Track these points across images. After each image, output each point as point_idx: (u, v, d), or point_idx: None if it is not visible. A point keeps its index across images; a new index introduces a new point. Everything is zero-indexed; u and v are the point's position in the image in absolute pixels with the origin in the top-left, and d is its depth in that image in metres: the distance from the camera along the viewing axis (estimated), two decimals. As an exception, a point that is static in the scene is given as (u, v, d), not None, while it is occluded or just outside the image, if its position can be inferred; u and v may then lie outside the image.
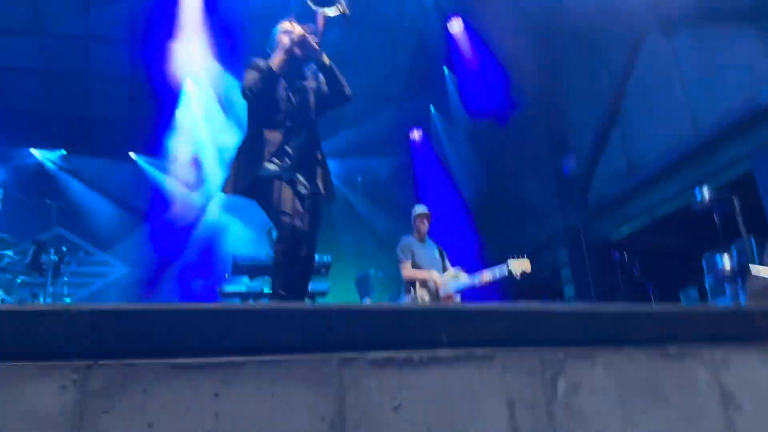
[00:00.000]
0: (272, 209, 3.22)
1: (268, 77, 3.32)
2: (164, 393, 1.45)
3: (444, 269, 5.75)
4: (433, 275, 5.55)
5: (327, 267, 7.52)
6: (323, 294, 7.38)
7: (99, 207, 9.95)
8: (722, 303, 5.74)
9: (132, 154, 10.33)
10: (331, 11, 3.38)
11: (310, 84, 3.59)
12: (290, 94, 3.44)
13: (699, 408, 1.69)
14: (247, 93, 3.35)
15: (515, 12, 8.98)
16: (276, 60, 3.35)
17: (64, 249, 7.09)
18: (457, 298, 5.51)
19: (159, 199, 9.86)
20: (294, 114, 3.43)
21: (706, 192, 5.15)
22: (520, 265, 5.21)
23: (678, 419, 1.66)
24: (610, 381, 1.67)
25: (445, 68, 10.83)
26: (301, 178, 3.35)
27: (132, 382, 1.44)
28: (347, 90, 3.57)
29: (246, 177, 3.27)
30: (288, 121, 3.40)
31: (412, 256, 5.68)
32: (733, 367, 1.78)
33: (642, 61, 8.74)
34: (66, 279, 7.26)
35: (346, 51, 9.79)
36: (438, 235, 6.32)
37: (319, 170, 3.47)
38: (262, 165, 3.25)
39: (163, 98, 9.53)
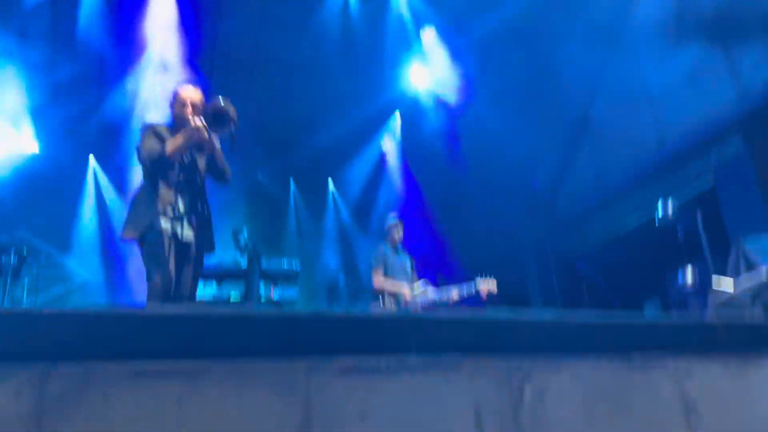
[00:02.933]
0: (151, 261, 3.55)
1: (163, 159, 3.63)
2: (125, 398, 1.41)
3: (413, 282, 5.79)
4: (403, 289, 5.58)
5: (295, 274, 7.48)
6: (291, 303, 7.33)
7: (65, 209, 9.73)
8: (685, 315, 5.87)
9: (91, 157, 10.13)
10: (222, 131, 3.72)
11: (199, 155, 3.91)
12: (183, 156, 3.76)
13: (662, 417, 1.72)
14: (144, 160, 3.69)
15: (485, 27, 9.12)
16: (171, 148, 3.63)
17: (25, 252, 6.91)
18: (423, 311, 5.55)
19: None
20: (185, 172, 3.75)
21: (669, 206, 5.28)
22: (487, 285, 5.40)
23: (641, 427, 1.68)
24: (575, 389, 1.68)
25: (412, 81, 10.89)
26: (187, 230, 3.64)
27: (92, 387, 1.40)
28: (227, 175, 3.95)
29: (138, 227, 3.59)
30: (180, 177, 3.72)
31: (385, 265, 5.70)
32: (695, 377, 1.82)
33: (610, 75, 8.93)
34: (26, 281, 7.07)
35: (322, 59, 9.82)
36: (407, 244, 6.35)
37: (204, 224, 3.80)
38: (155, 217, 3.56)
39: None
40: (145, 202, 3.65)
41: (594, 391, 1.69)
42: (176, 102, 3.88)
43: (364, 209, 11.34)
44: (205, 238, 3.82)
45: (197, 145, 3.75)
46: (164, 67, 9.22)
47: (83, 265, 9.28)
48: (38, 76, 8.65)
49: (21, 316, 1.42)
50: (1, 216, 7.93)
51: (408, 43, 10.28)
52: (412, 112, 11.21)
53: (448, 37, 10.18)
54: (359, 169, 11.71)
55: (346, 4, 9.80)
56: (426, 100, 10.91)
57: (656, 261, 7.11)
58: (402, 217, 6.19)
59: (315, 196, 11.75)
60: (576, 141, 9.84)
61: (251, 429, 1.44)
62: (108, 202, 9.93)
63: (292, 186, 11.72)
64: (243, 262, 6.84)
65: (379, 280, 5.64)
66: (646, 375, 1.77)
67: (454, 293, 5.48)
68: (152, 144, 3.66)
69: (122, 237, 3.67)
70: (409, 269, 5.87)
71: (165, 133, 3.78)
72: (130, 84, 9.30)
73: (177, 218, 3.61)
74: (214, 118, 3.68)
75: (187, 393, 1.43)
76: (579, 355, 1.75)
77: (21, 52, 8.44)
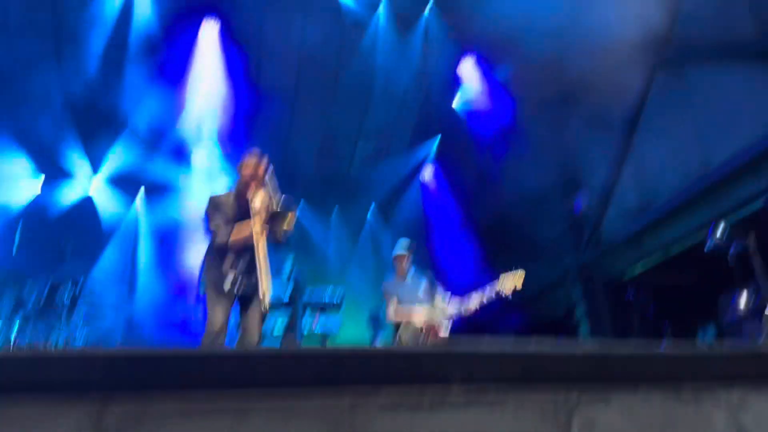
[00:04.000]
0: (209, 305, 4.06)
1: (229, 232, 4.12)
2: (178, 430, 1.45)
3: (433, 298, 5.52)
4: (415, 315, 5.39)
5: (339, 304, 7.50)
6: (334, 334, 7.35)
7: (115, 241, 10.06)
8: (739, 343, 5.64)
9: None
10: (285, 224, 4.23)
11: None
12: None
13: (716, 451, 1.67)
14: (210, 232, 4.18)
15: (526, 51, 9.12)
16: (233, 240, 4.12)
17: (78, 289, 7.14)
18: (444, 333, 5.32)
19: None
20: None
21: (720, 230, 5.12)
22: (512, 280, 5.10)
23: (695, 463, 1.63)
24: (625, 422, 1.65)
25: (455, 107, 10.94)
26: (246, 288, 4.11)
27: (146, 422, 1.45)
28: (282, 239, 4.34)
29: (209, 286, 4.09)
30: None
31: (397, 295, 5.56)
32: (751, 408, 1.76)
33: (654, 97, 8.79)
34: (80, 317, 7.28)
35: (358, 90, 9.98)
36: (449, 273, 6.24)
37: (260, 281, 4.17)
38: (221, 279, 4.07)
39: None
40: (212, 265, 4.15)
41: (644, 425, 1.65)
42: (241, 167, 4.32)
43: (404, 235, 11.34)
44: (262, 293, 4.18)
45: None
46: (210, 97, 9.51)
47: (134, 298, 9.51)
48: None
49: (78, 356, 1.48)
50: (54, 253, 8.23)
51: (446, 67, 10.35)
52: (453, 135, 11.23)
53: (486, 60, 10.23)
54: (400, 197, 11.77)
55: (378, 32, 9.93)
56: (466, 122, 10.92)
57: (708, 286, 6.89)
58: (441, 241, 6.02)
59: (357, 226, 11.84)
60: (620, 162, 9.67)
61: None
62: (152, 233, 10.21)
63: (335, 215, 11.84)
64: (287, 292, 6.90)
65: (390, 311, 5.53)
66: (698, 407, 1.72)
67: (474, 300, 5.21)
68: (217, 224, 4.17)
69: (198, 294, 4.16)
70: (423, 290, 5.61)
71: (227, 204, 4.24)
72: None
73: (240, 276, 4.11)
74: (274, 216, 4.22)
75: (236, 427, 1.47)
76: (628, 387, 1.71)
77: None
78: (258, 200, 4.22)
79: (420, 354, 1.65)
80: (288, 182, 4.85)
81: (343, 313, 7.71)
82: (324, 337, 7.28)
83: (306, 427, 1.49)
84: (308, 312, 7.29)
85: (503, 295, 5.07)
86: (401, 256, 5.76)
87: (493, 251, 10.70)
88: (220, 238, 4.15)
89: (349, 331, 8.86)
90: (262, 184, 4.26)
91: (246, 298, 4.18)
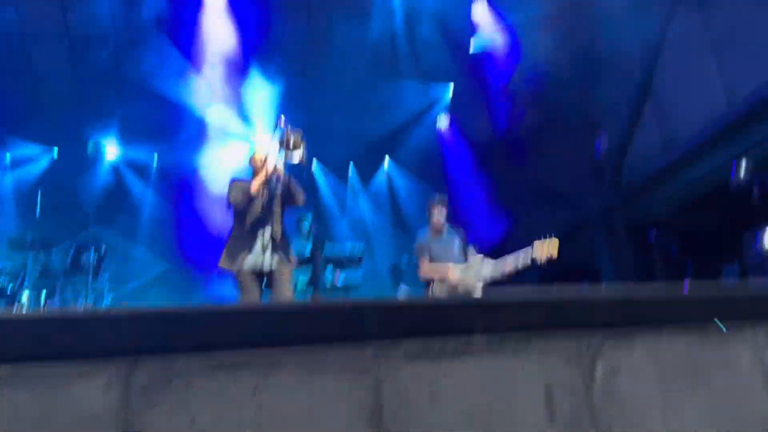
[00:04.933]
0: (239, 289, 4.56)
1: (249, 198, 4.57)
2: (206, 388, 1.48)
3: (466, 258, 5.52)
4: (450, 271, 5.37)
5: (359, 259, 7.55)
6: (356, 287, 7.42)
7: (137, 203, 10.18)
8: (763, 281, 5.59)
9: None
10: (294, 159, 4.59)
11: (277, 188, 4.77)
12: (263, 192, 4.65)
13: (742, 388, 1.67)
14: (232, 205, 4.61)
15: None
16: (255, 186, 4.58)
17: (104, 250, 7.26)
18: (478, 293, 5.27)
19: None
20: (266, 207, 4.67)
21: (743, 167, 5.01)
22: (546, 248, 5.02)
23: (720, 401, 1.63)
24: (649, 365, 1.65)
25: (470, 51, 10.66)
26: (269, 258, 4.56)
27: (174, 378, 1.48)
28: (301, 199, 4.82)
29: (233, 262, 4.56)
30: (262, 212, 4.67)
31: (429, 252, 5.51)
32: (776, 346, 1.75)
33: (673, 33, 8.51)
34: (107, 276, 7.43)
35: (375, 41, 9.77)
36: (466, 219, 6.19)
37: (285, 246, 4.72)
38: (245, 254, 4.56)
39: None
40: (236, 239, 4.61)
41: (669, 366, 1.65)
42: (253, 159, 4.86)
43: (420, 188, 11.30)
44: (285, 259, 4.67)
45: (274, 180, 4.65)
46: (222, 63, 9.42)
47: (160, 257, 9.67)
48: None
49: (106, 316, 1.51)
50: (80, 215, 8.35)
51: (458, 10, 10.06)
52: (467, 81, 11.01)
53: (500, 4, 9.94)
54: (416, 148, 11.66)
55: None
56: (480, 66, 10.67)
57: (732, 224, 6.80)
58: (460, 190, 5.94)
59: (374, 180, 11.80)
60: (640, 102, 9.44)
61: (324, 415, 1.48)
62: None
63: (352, 171, 11.81)
64: (307, 249, 6.95)
65: (423, 268, 5.49)
66: (723, 347, 1.71)
67: (509, 264, 5.15)
68: (236, 193, 4.60)
69: (219, 266, 4.58)
70: (457, 248, 5.58)
71: (245, 184, 4.68)
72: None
73: (261, 251, 4.55)
74: (287, 147, 4.54)
75: (262, 382, 1.49)
76: (652, 329, 1.71)
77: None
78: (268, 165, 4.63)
79: (441, 304, 1.66)
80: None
81: (363, 267, 7.76)
82: (346, 290, 7.36)
83: (331, 378, 1.51)
84: (329, 268, 7.35)
85: (538, 263, 5.00)
86: (436, 206, 5.65)
87: (515, 201, 10.64)
88: (239, 208, 4.57)
89: (370, 285, 8.95)
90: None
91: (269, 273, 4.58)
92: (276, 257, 4.58)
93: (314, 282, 6.88)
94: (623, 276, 9.14)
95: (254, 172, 4.80)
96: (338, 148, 10.80)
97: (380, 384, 1.51)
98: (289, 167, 4.68)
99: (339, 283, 7.28)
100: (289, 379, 1.50)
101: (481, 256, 5.41)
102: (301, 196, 4.81)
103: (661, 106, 9.09)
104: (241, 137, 10.19)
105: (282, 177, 4.64)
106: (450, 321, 1.60)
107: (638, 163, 9.56)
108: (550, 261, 5.01)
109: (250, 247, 4.57)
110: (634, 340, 1.66)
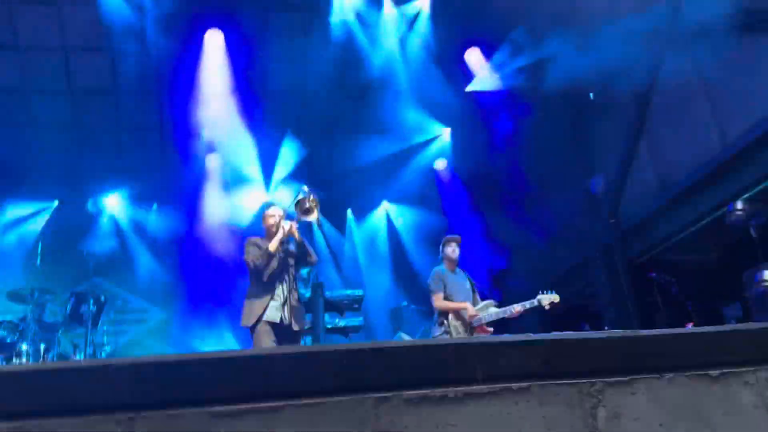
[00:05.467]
0: (255, 344, 4.73)
1: (267, 257, 4.89)
2: (206, 440, 1.47)
3: (474, 302, 5.72)
4: (467, 306, 5.54)
5: (359, 301, 7.53)
6: (357, 329, 7.38)
7: (136, 254, 10.17)
8: (765, 319, 5.57)
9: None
10: (310, 219, 5.01)
11: (290, 247, 5.19)
12: (279, 254, 5.01)
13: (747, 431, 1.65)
14: (250, 265, 4.91)
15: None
16: (273, 246, 4.91)
17: (103, 299, 7.24)
18: (490, 330, 5.49)
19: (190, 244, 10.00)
20: (281, 267, 5.01)
21: (739, 205, 5.06)
22: (549, 299, 5.34)
23: (725, 445, 1.61)
24: (652, 408, 1.64)
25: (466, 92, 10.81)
26: (286, 312, 4.87)
27: (176, 430, 1.47)
28: (313, 259, 5.24)
29: (251, 318, 4.84)
30: (277, 271, 4.98)
31: (444, 286, 5.65)
32: (780, 387, 1.73)
33: (664, 75, 8.68)
34: (105, 328, 7.39)
35: (366, 85, 9.95)
36: (468, 263, 6.29)
37: (298, 308, 5.04)
38: (263, 311, 4.84)
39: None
40: (254, 297, 4.90)
41: (672, 410, 1.63)
42: (265, 219, 5.20)
43: (421, 230, 11.32)
44: (300, 316, 5.07)
45: (289, 240, 5.03)
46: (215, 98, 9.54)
47: (158, 307, 9.62)
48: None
49: (105, 369, 1.50)
50: (79, 267, 8.34)
51: (451, 59, 10.28)
52: (463, 125, 11.15)
53: (491, 51, 10.15)
54: (413, 191, 11.73)
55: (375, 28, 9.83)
56: (475, 111, 10.82)
57: (732, 263, 6.80)
58: (459, 234, 6.12)
59: (371, 224, 11.85)
60: (635, 142, 9.56)
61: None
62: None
63: (350, 216, 11.87)
64: (307, 294, 6.94)
65: (439, 302, 5.61)
66: (726, 389, 1.70)
67: (516, 309, 5.41)
68: (255, 251, 4.93)
69: (242, 325, 4.90)
70: (469, 288, 5.80)
71: (260, 242, 5.04)
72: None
73: (281, 305, 4.85)
74: (303, 211, 4.96)
75: (263, 431, 1.48)
76: (653, 372, 1.70)
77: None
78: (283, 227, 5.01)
79: (442, 346, 1.66)
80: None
81: (363, 313, 7.75)
82: (347, 330, 7.33)
83: (332, 425, 1.50)
84: (328, 316, 7.33)
85: (543, 308, 5.38)
86: (453, 241, 5.85)
87: (512, 241, 10.66)
88: (258, 266, 4.84)
89: (370, 328, 8.89)
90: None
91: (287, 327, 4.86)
92: (292, 314, 4.89)
93: (314, 326, 6.85)
94: (624, 315, 9.09)
95: (267, 230, 5.13)
96: (336, 193, 10.87)
97: (381, 433, 1.50)
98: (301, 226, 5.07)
99: (340, 324, 7.27)
100: (291, 425, 1.49)
101: (489, 301, 5.60)
102: (313, 257, 5.20)
103: (655, 146, 9.21)
104: (243, 186, 10.28)
105: (297, 237, 5.00)
106: (451, 362, 1.60)
107: (635, 202, 9.62)
108: (552, 306, 5.35)
109: (268, 303, 4.85)
110: (635, 384, 1.65)
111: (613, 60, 8.06)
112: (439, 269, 5.83)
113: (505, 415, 1.55)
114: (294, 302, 4.93)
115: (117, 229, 10.24)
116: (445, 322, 5.53)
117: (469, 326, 5.46)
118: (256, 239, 5.11)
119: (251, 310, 4.84)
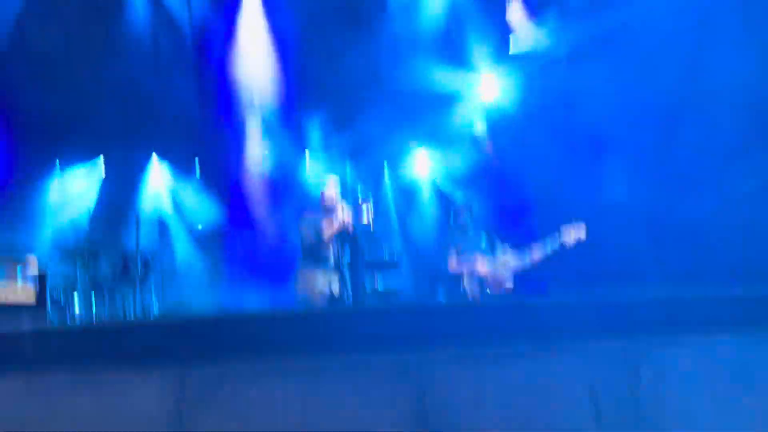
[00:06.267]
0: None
1: (320, 240, 5.06)
2: (255, 394, 1.53)
3: (493, 251, 5.52)
4: (480, 263, 5.37)
5: (396, 262, 7.55)
6: (396, 292, 7.42)
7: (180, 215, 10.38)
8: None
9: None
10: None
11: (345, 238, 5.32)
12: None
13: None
14: (304, 242, 5.12)
15: None
16: (328, 234, 5.06)
17: (150, 257, 7.45)
18: (508, 284, 5.30)
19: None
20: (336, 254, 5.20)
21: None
22: (573, 233, 5.05)
23: (770, 404, 1.59)
24: (696, 367, 1.62)
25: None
26: (335, 284, 5.10)
27: (224, 385, 1.53)
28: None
29: (305, 289, 5.00)
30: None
31: (457, 247, 5.56)
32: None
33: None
34: (153, 286, 7.60)
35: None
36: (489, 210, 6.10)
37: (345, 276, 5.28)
38: (314, 282, 5.02)
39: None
40: (305, 268, 5.08)
41: (716, 369, 1.62)
42: (324, 198, 5.26)
43: (461, 182, 11.14)
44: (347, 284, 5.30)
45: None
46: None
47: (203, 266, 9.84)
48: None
49: (158, 326, 1.57)
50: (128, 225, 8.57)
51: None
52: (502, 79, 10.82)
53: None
54: (448, 146, 11.53)
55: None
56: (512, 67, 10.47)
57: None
58: (490, 189, 5.92)
59: (408, 180, 11.74)
60: (682, 96, 9.16)
61: (370, 419, 1.51)
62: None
63: (387, 173, 11.77)
64: (346, 256, 6.99)
65: (452, 263, 5.53)
66: (771, 349, 1.67)
67: (536, 253, 5.17)
68: (310, 233, 5.09)
69: (294, 288, 5.10)
70: (484, 243, 5.63)
71: (317, 223, 5.15)
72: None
73: (329, 272, 5.06)
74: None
75: (309, 388, 1.53)
76: (699, 331, 1.68)
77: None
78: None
79: (484, 306, 1.67)
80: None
81: (401, 269, 7.75)
82: (386, 294, 7.38)
83: (374, 383, 1.53)
84: (368, 272, 7.37)
85: (567, 246, 5.03)
86: (460, 209, 5.76)
87: (545, 200, 10.36)
88: (310, 239, 5.05)
89: (410, 286, 8.95)
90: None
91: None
92: (339, 286, 5.13)
93: (353, 289, 6.92)
94: (668, 278, 8.90)
95: (324, 208, 5.27)
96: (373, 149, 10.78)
97: (424, 390, 1.52)
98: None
99: (379, 288, 7.32)
100: (335, 385, 1.53)
101: (506, 246, 5.40)
102: (362, 255, 5.67)
103: (702, 98, 8.83)
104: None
105: (351, 231, 5.21)
106: (493, 324, 1.61)
107: (681, 160, 9.30)
108: (578, 243, 5.02)
109: (317, 281, 5.04)
110: (680, 342, 1.64)
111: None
112: (450, 231, 5.77)
113: (548, 371, 1.56)
114: (342, 273, 5.17)
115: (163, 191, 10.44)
116: (462, 282, 5.45)
117: (487, 283, 5.35)
118: (313, 216, 5.30)
119: (303, 281, 5.06)
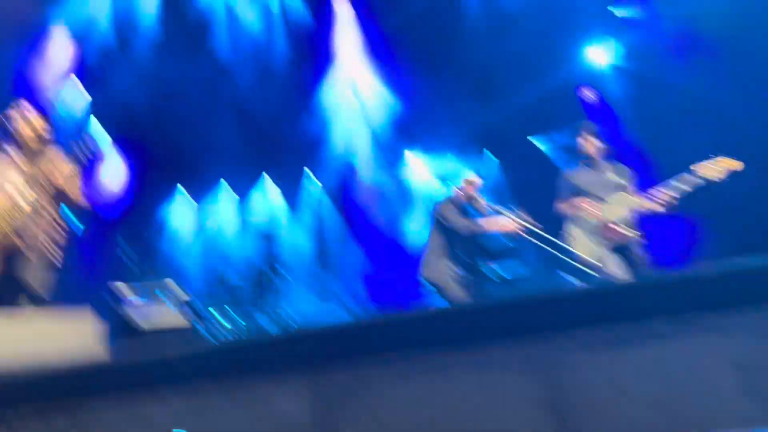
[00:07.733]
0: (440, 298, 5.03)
1: (454, 229, 5.11)
2: (388, 393, 1.58)
3: (621, 190, 4.60)
4: (586, 205, 4.58)
5: (514, 246, 7.38)
6: (522, 278, 7.27)
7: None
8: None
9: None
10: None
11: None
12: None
13: None
14: (439, 219, 5.17)
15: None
16: (468, 231, 5.10)
17: (282, 271, 7.92)
18: (623, 230, 4.45)
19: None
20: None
21: None
22: (713, 168, 4.02)
23: None
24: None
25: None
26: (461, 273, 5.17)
27: (359, 386, 1.61)
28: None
29: (432, 272, 5.11)
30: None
31: (573, 187, 4.70)
32: None
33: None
34: (284, 298, 8.03)
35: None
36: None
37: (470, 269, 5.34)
38: (445, 264, 5.13)
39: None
40: (436, 250, 5.17)
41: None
42: (463, 191, 5.35)
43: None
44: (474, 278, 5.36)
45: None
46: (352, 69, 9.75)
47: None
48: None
49: (296, 335, 1.68)
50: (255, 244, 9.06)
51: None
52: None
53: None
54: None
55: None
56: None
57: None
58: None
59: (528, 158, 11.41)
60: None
61: (503, 407, 1.51)
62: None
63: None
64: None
65: (558, 205, 4.75)
66: None
67: (665, 195, 4.24)
68: (455, 217, 5.15)
69: (420, 275, 5.14)
70: (615, 181, 4.63)
71: (457, 207, 5.26)
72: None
73: (457, 259, 5.16)
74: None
75: (440, 381, 1.56)
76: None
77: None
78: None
79: (616, 289, 1.61)
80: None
81: (520, 253, 7.53)
82: (511, 282, 7.26)
83: (506, 372, 1.53)
84: (486, 261, 7.27)
85: (705, 184, 4.11)
86: (588, 130, 4.79)
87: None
88: (443, 227, 5.12)
89: (532, 276, 8.71)
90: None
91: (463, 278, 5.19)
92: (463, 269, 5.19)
93: (473, 274, 6.80)
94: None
95: (454, 200, 5.36)
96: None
97: (557, 379, 1.50)
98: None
99: (503, 274, 7.19)
100: (464, 378, 1.55)
101: (630, 189, 4.61)
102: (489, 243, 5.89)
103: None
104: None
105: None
106: (625, 304, 1.55)
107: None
108: (723, 180, 4.01)
109: (448, 266, 5.13)
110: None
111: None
112: (572, 168, 4.90)
113: (689, 350, 1.48)
114: (472, 258, 5.33)
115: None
116: (565, 231, 4.80)
117: (600, 229, 4.52)
118: (455, 201, 5.36)
119: (429, 263, 5.18)
